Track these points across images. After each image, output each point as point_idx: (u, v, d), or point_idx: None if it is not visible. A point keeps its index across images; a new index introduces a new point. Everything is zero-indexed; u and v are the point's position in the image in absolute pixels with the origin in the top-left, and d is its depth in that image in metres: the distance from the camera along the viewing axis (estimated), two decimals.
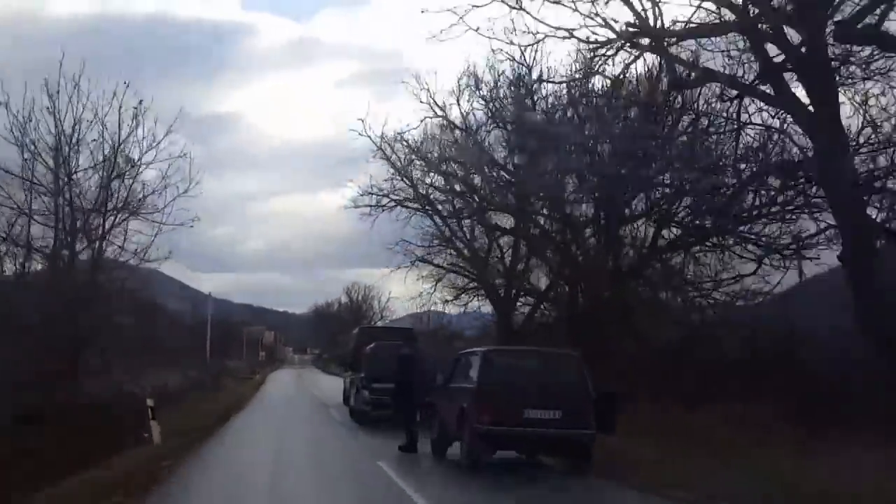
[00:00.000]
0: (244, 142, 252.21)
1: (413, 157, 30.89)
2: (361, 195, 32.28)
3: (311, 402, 33.37)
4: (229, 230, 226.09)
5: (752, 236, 20.52)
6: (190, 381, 35.22)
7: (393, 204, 32.62)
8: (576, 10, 15.75)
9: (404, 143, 30.85)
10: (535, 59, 24.30)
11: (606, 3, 15.38)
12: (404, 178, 32.12)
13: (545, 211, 23.79)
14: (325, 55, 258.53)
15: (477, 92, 26.83)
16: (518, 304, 32.49)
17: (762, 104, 16.96)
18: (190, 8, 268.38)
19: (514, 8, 16.18)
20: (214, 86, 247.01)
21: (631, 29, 15.66)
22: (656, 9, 15.53)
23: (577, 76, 20.11)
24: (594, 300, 21.00)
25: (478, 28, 16.53)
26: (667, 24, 15.86)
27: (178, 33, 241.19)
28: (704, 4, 15.55)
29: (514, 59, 23.66)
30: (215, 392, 34.61)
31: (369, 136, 31.40)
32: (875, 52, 15.24)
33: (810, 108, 14.84)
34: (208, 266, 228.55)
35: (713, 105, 19.14)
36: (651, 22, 15.54)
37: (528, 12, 16.19)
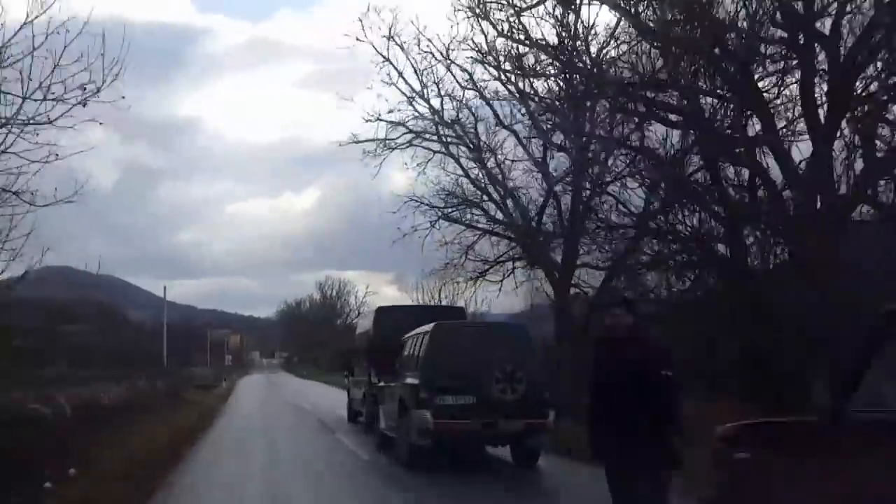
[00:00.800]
0: (204, 145, 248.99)
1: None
2: (368, 121, 23.40)
3: (303, 421, 23.94)
4: (192, 235, 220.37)
5: None
6: (138, 395, 26.13)
7: (407, 141, 23.76)
8: None
9: (427, 43, 22.07)
10: None
11: None
12: (414, 103, 23.15)
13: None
14: (282, 56, 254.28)
15: None
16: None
17: None
18: (144, 10, 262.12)
19: None
20: (172, 89, 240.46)
21: None
22: None
23: None
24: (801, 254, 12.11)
25: None
26: None
27: (133, 35, 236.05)
28: None
29: None
30: (171, 407, 25.44)
31: (371, 43, 22.68)
32: None
33: None
34: (172, 273, 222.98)
35: None
36: None
37: None
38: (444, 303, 33.29)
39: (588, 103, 17.84)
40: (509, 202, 23.38)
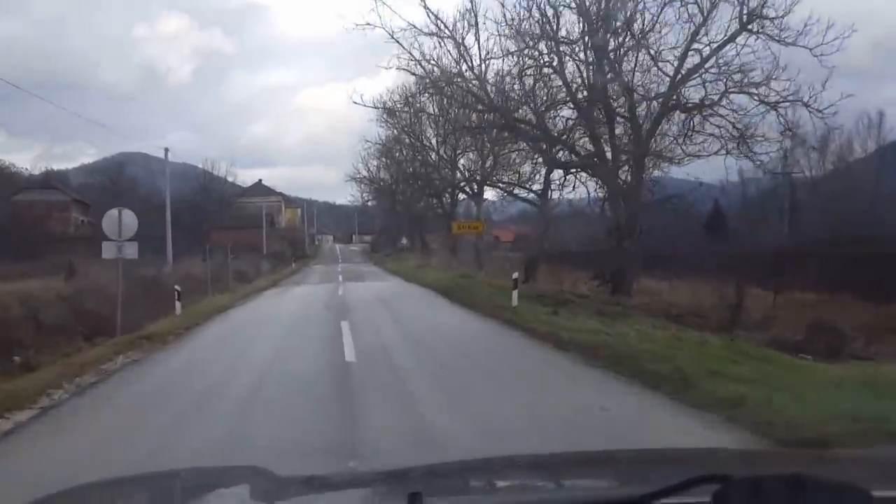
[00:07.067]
0: (277, 32, 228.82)
1: None
2: None
3: None
4: (266, 125, 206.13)
5: None
6: None
7: None
8: None
9: None
10: None
11: None
12: None
13: None
14: None
15: None
16: None
17: None
18: None
19: None
20: None
21: None
22: None
23: None
24: None
25: None
26: None
27: None
28: None
29: None
30: None
31: None
32: None
33: None
34: (249, 162, 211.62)
35: None
36: None
37: None
38: None
39: None
40: None
